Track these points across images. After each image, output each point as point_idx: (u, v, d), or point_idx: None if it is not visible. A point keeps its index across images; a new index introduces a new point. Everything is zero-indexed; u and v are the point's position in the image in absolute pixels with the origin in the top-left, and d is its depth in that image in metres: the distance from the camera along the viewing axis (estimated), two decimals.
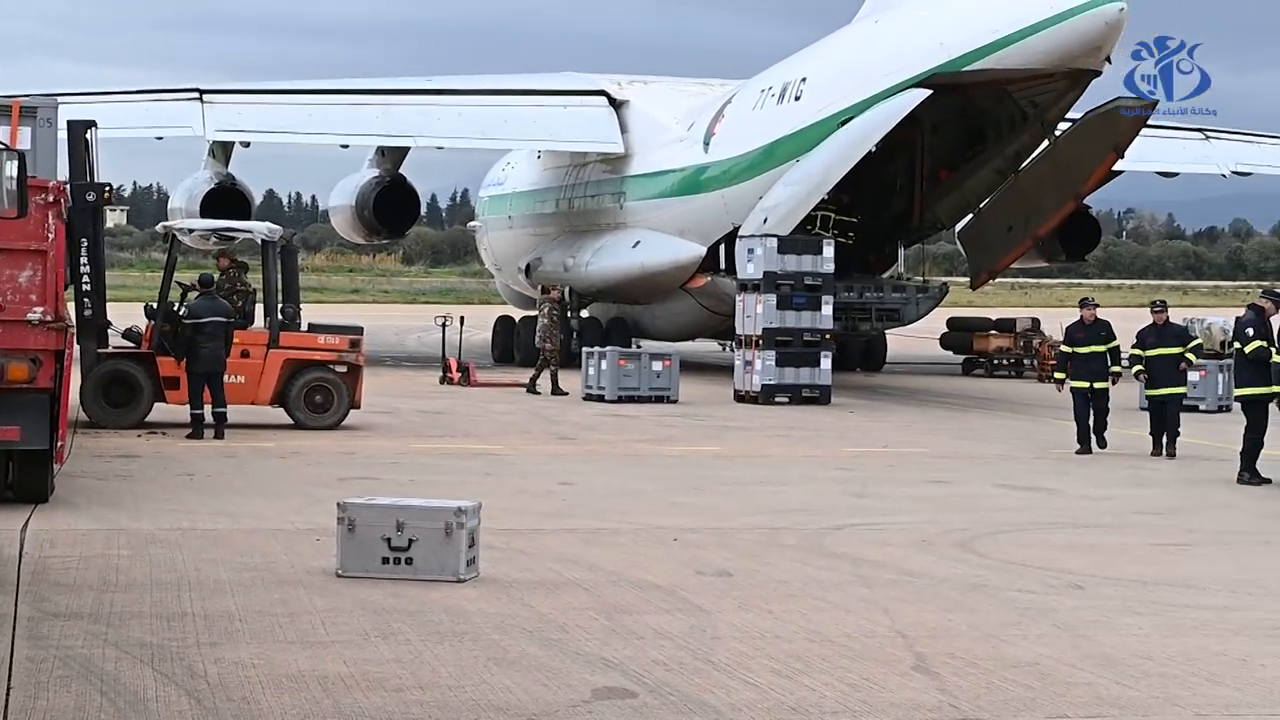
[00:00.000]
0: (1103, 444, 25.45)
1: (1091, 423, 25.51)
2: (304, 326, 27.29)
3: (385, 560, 13.63)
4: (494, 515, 15.99)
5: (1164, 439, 25.09)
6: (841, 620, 12.44)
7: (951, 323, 49.77)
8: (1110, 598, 13.65)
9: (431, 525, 13.63)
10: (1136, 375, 25.73)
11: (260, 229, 28.07)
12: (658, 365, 34.62)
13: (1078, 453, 25.24)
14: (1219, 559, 16.03)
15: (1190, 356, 25.66)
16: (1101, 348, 25.58)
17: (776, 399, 34.30)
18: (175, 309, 26.37)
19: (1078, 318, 26.01)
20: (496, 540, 15.27)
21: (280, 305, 26.88)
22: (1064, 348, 26.28)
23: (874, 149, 37.02)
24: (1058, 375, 26.19)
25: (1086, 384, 25.45)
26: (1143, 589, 14.11)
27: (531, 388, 35.80)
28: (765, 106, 41.07)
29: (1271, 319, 23.31)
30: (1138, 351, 25.35)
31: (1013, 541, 16.67)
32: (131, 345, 26.60)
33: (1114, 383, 25.73)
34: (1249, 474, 21.95)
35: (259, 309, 27.76)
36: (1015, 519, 18.36)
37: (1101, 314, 26.18)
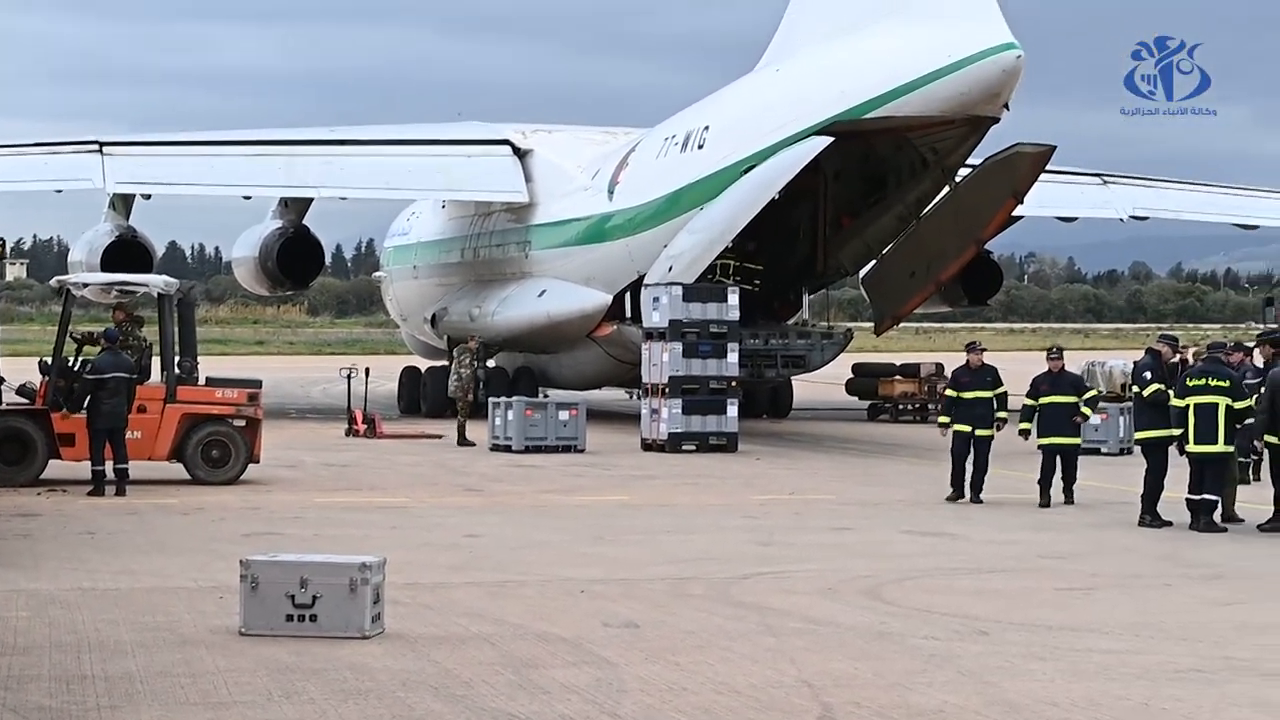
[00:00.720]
0: (978, 498, 24.70)
1: (970, 473, 24.85)
2: (201, 380, 27.07)
3: (289, 618, 13.51)
4: (399, 569, 15.90)
5: (1049, 487, 24.20)
6: (748, 671, 12.44)
7: (856, 368, 50.04)
8: (1015, 643, 13.73)
9: (335, 581, 13.52)
10: (1022, 433, 24.88)
11: (156, 282, 27.83)
12: (564, 415, 34.57)
13: (949, 499, 24.74)
14: (1121, 602, 16.16)
15: (1085, 410, 24.86)
16: (988, 393, 24.82)
17: (683, 447, 34.32)
18: (70, 363, 26.09)
19: (964, 361, 25.56)
20: (402, 595, 15.17)
21: (177, 359, 26.64)
22: (949, 391, 25.53)
23: (777, 196, 37.27)
24: (942, 419, 25.39)
25: (969, 428, 24.78)
26: (1047, 634, 14.21)
27: (462, 439, 35.37)
28: (669, 154, 41.24)
29: (1169, 362, 23.63)
30: (1030, 402, 24.64)
31: (918, 587, 16.74)
32: (25, 401, 26.27)
33: (998, 429, 25.10)
34: (1150, 517, 22.15)
35: (155, 363, 27.51)
36: (921, 565, 18.45)
37: (1004, 357, 26.28)
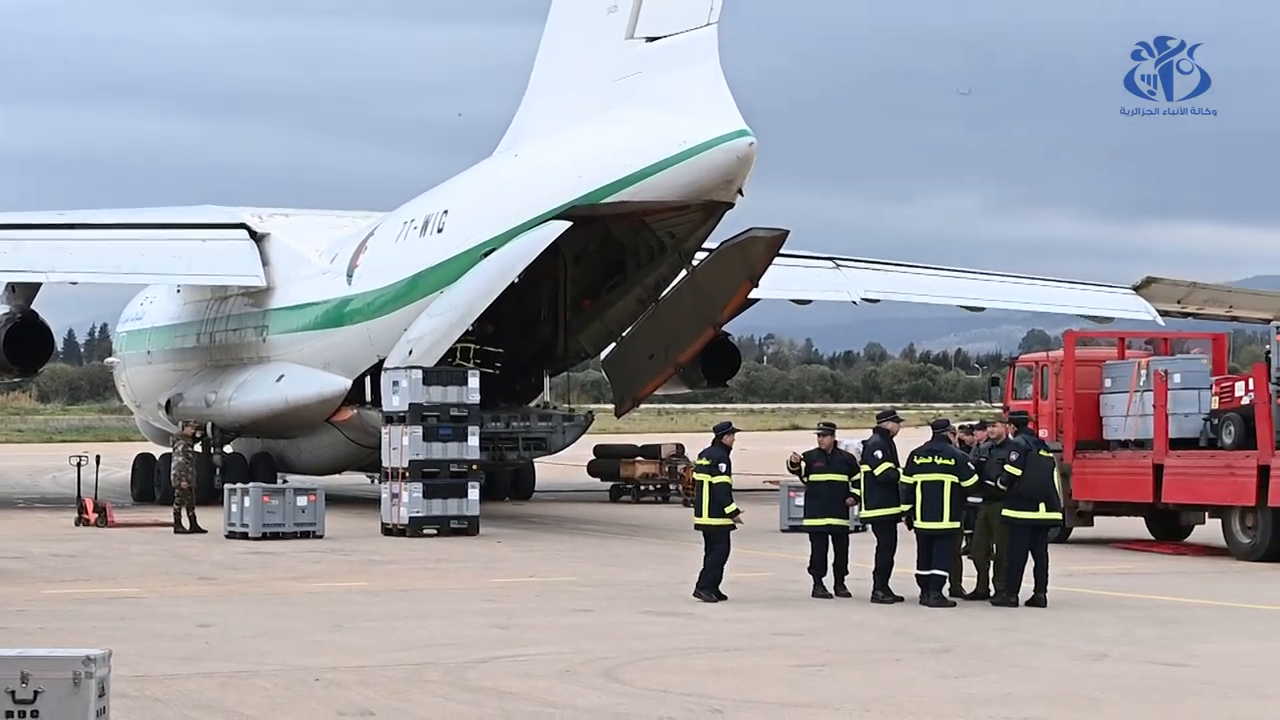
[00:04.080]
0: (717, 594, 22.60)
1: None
2: None
3: (9, 714, 13.06)
4: (128, 661, 15.52)
5: (824, 575, 22.92)
6: None
7: (598, 450, 50.32)
8: None
9: (58, 675, 13.10)
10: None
11: None
12: (303, 500, 34.09)
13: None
14: (853, 678, 16.43)
15: (855, 491, 23.16)
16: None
17: (424, 531, 34.12)
18: None
19: (713, 441, 22.95)
20: (130, 688, 14.80)
21: None
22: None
23: (517, 280, 37.42)
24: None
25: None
26: (779, 711, 14.38)
27: (178, 526, 34.92)
28: (408, 239, 41.17)
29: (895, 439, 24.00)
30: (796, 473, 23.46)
31: (655, 668, 16.83)
32: None
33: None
34: (882, 592, 22.58)
35: None
36: (659, 645, 18.55)
37: (744, 438, 26.11)
